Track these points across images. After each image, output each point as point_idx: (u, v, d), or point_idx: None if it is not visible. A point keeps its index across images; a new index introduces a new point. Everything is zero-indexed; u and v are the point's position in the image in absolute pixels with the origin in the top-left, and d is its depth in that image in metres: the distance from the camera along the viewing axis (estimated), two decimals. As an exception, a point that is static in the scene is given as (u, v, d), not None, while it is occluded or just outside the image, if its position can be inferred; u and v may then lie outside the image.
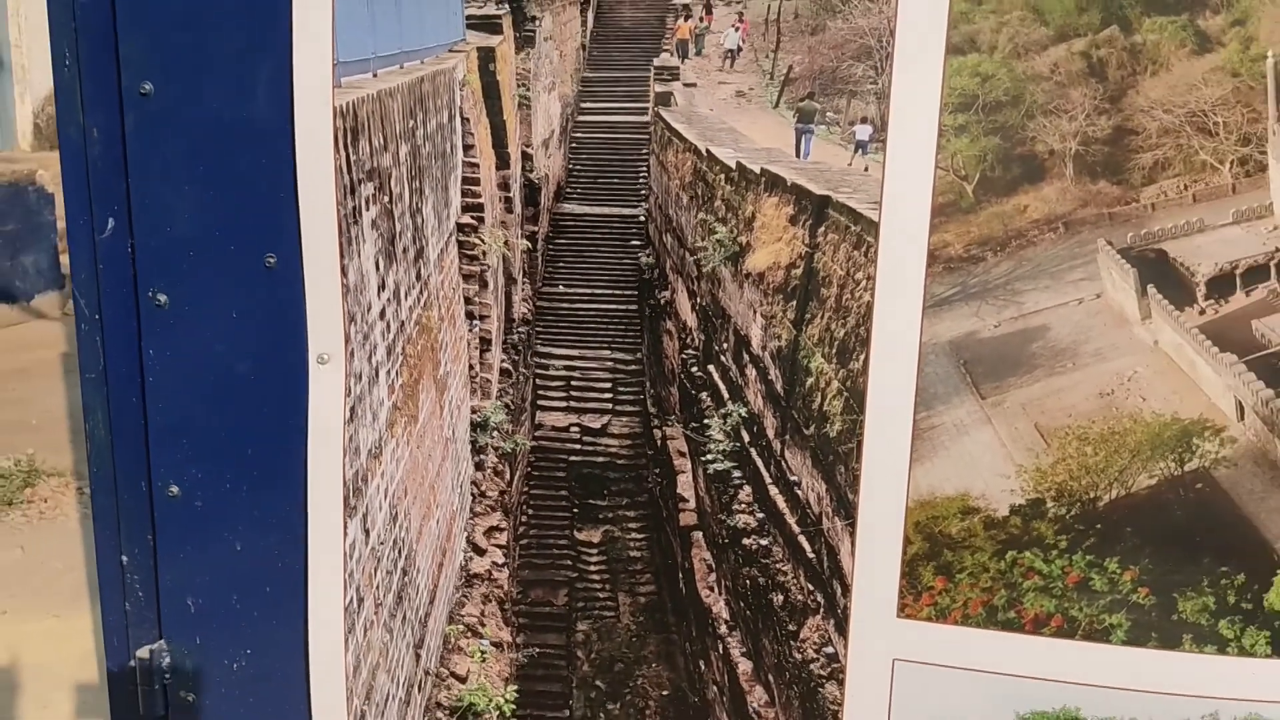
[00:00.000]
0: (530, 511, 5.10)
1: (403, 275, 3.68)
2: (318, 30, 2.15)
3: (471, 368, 4.74)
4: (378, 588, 3.24)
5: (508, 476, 4.86)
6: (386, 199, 3.47)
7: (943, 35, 2.00)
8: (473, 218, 4.69)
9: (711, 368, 4.69)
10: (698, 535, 4.73)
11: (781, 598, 3.98)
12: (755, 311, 4.21)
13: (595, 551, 5.01)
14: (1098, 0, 2.04)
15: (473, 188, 4.71)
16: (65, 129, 2.23)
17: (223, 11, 2.16)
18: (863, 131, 3.77)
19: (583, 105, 5.50)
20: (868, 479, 2.18)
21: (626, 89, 5.35)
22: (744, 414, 4.40)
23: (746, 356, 4.36)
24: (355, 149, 3.10)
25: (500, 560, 4.69)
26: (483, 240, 4.72)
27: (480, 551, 4.64)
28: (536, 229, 5.29)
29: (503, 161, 4.94)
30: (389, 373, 3.46)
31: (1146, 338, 2.15)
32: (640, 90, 5.21)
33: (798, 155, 4.15)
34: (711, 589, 4.55)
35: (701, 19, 4.83)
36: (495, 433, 4.76)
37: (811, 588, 3.80)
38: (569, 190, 5.51)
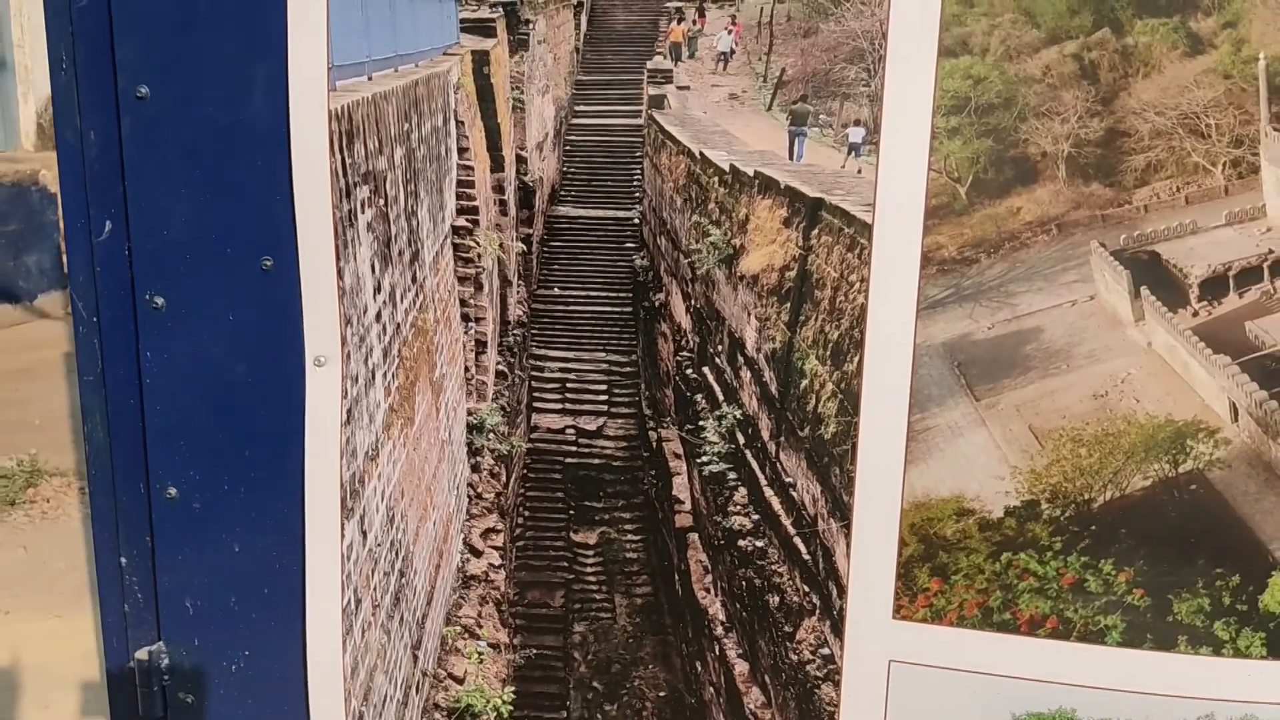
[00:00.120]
0: (526, 513, 5.10)
1: (398, 278, 3.69)
2: (313, 34, 2.15)
3: (467, 370, 4.74)
4: (375, 589, 3.25)
5: (504, 478, 4.87)
6: (382, 202, 3.48)
7: (935, 38, 2.00)
8: (468, 220, 4.70)
9: (706, 370, 4.70)
10: (693, 537, 4.74)
11: (777, 599, 3.98)
12: (750, 314, 4.22)
13: (592, 553, 5.01)
14: (1089, 3, 2.04)
15: (467, 190, 4.71)
16: (63, 132, 2.24)
17: (218, 16, 2.17)
18: (856, 134, 3.78)
19: (576, 108, 5.50)
20: (863, 481, 2.18)
21: (620, 92, 5.36)
22: (739, 416, 4.40)
23: (741, 359, 4.36)
24: (351, 152, 3.11)
25: (497, 562, 4.69)
26: (478, 243, 4.72)
27: (477, 553, 4.65)
28: (531, 232, 5.30)
29: (497, 164, 4.95)
30: (385, 375, 3.47)
31: (1140, 339, 2.16)
32: (634, 93, 5.21)
33: (791, 158, 4.16)
34: (708, 590, 4.56)
35: (694, 22, 4.84)
36: (491, 435, 4.76)
37: (807, 589, 3.81)
38: (563, 193, 5.52)
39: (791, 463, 3.95)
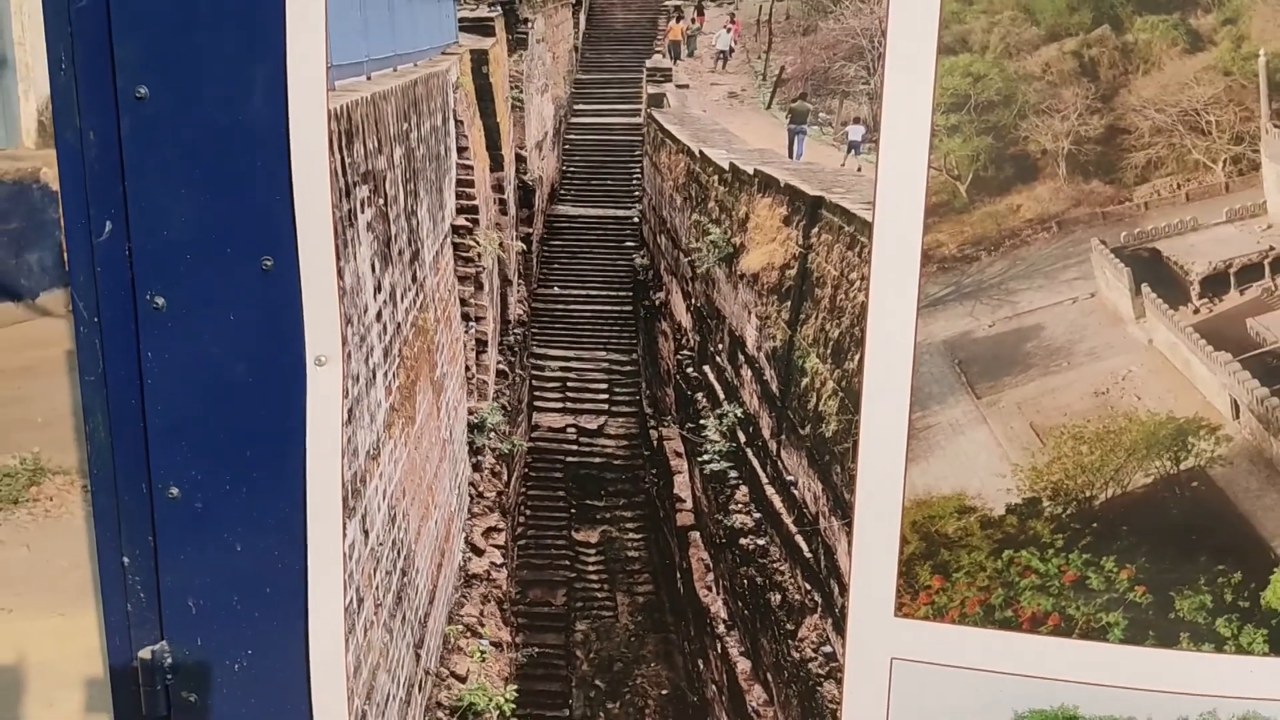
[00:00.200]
0: (528, 512, 5.10)
1: (398, 277, 3.69)
2: (311, 34, 2.15)
3: (468, 369, 4.74)
4: (377, 588, 3.25)
5: (505, 477, 4.87)
6: (381, 201, 3.48)
7: (934, 35, 2.00)
8: (467, 220, 4.70)
9: (707, 368, 4.70)
10: (695, 535, 4.74)
11: (779, 597, 3.98)
12: (750, 312, 4.22)
13: (593, 552, 5.01)
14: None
15: (467, 190, 4.71)
16: (62, 132, 2.24)
17: (217, 15, 2.17)
18: (855, 132, 3.78)
19: (576, 107, 5.50)
20: (864, 479, 2.18)
21: (619, 91, 5.36)
22: (740, 414, 4.40)
23: (742, 357, 4.36)
24: (350, 152, 3.11)
25: (499, 560, 4.70)
26: (478, 242, 4.73)
27: (479, 552, 4.65)
28: (531, 231, 5.30)
29: (497, 163, 4.95)
30: (386, 374, 3.47)
31: (1141, 337, 2.16)
32: (633, 92, 5.21)
33: (791, 156, 4.16)
34: (709, 589, 4.56)
35: (693, 20, 4.84)
36: (492, 434, 4.77)
37: (809, 587, 3.81)
38: (563, 192, 5.52)
39: (793, 461, 3.95)
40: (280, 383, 2.29)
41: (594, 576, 4.98)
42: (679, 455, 4.87)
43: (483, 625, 4.47)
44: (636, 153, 5.30)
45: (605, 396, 5.22)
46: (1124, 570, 2.13)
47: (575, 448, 5.14)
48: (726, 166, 4.44)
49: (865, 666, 2.25)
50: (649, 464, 5.09)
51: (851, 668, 2.27)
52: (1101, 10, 2.04)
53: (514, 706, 4.13)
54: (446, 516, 4.35)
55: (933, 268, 2.11)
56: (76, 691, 4.97)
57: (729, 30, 4.62)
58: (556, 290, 5.38)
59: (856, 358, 2.17)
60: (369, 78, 3.46)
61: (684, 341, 4.90)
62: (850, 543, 2.21)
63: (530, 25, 4.96)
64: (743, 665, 4.24)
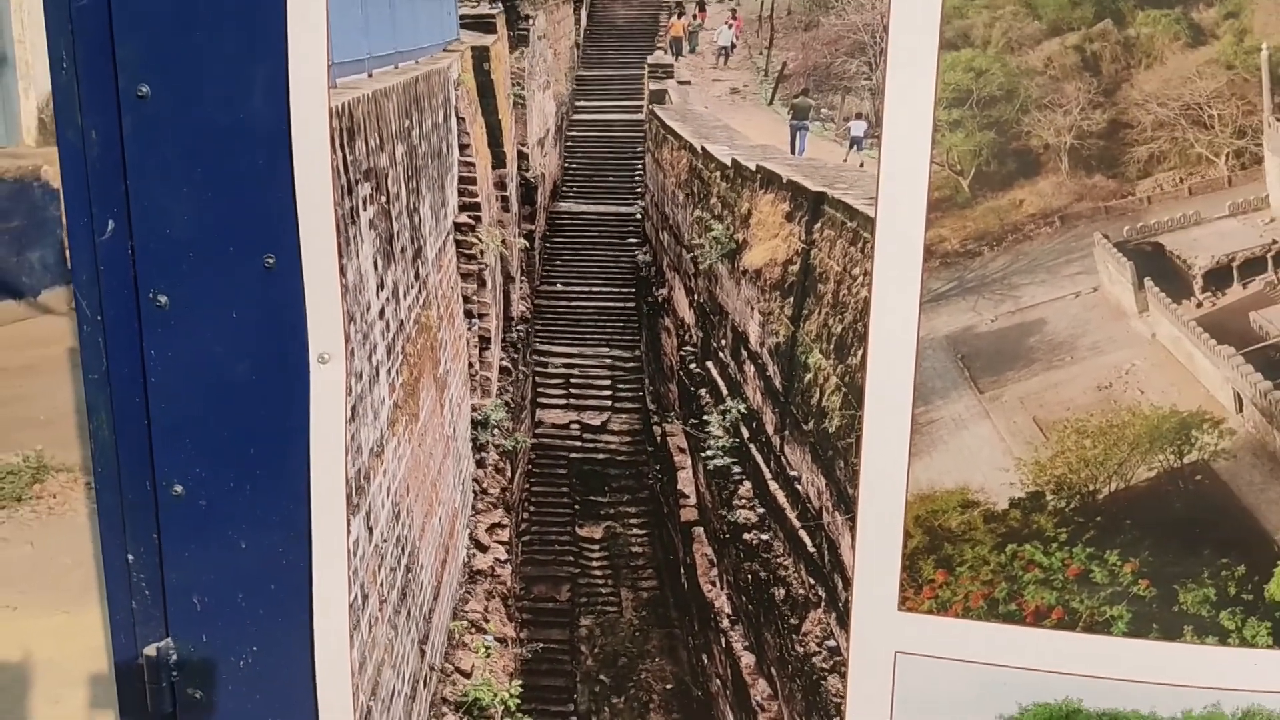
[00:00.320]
0: (532, 508, 5.11)
1: (401, 274, 3.69)
2: (313, 31, 2.15)
3: (471, 366, 4.74)
4: (382, 584, 3.26)
5: (509, 474, 4.87)
6: (384, 199, 3.48)
7: (936, 30, 2.00)
8: (470, 217, 4.70)
9: (710, 364, 4.70)
10: (699, 530, 4.74)
11: (783, 592, 3.99)
12: (753, 308, 4.22)
13: (597, 547, 5.02)
14: (1091, -6, 2.05)
15: (469, 187, 4.71)
16: (64, 131, 2.24)
17: (218, 14, 2.17)
18: (857, 127, 3.78)
19: (577, 103, 5.50)
20: (867, 473, 2.18)
21: (621, 87, 5.36)
22: (743, 410, 4.41)
23: (745, 353, 4.37)
24: (352, 149, 3.11)
25: (503, 557, 4.70)
26: (480, 239, 4.73)
27: (483, 548, 4.65)
28: (533, 227, 5.30)
29: (499, 160, 4.95)
30: (389, 371, 3.47)
31: (1144, 331, 2.16)
32: (635, 88, 5.21)
33: (793, 152, 4.16)
34: (713, 584, 4.56)
35: (695, 16, 4.84)
36: (496, 430, 4.77)
37: (813, 582, 3.81)
38: (565, 189, 5.52)
39: (796, 456, 3.95)
40: (283, 380, 2.29)
41: (598, 572, 4.99)
42: (682, 451, 4.88)
43: (487, 621, 4.47)
44: (638, 149, 5.30)
45: (609, 393, 5.23)
46: (1128, 564, 2.13)
47: (579, 444, 5.14)
48: (729, 162, 4.44)
49: (869, 660, 2.25)
50: (652, 460, 5.10)
51: (855, 662, 2.27)
52: (1103, 5, 2.03)
53: (519, 702, 4.14)
54: (451, 513, 4.36)
55: (935, 263, 2.11)
56: (81, 689, 4.98)
57: (731, 26, 4.61)
58: (559, 287, 5.38)
59: (859, 353, 2.17)
60: (370, 75, 3.46)
61: (687, 337, 4.90)
62: (854, 537, 2.22)
63: (532, 22, 4.96)
64: (747, 660, 4.25)
